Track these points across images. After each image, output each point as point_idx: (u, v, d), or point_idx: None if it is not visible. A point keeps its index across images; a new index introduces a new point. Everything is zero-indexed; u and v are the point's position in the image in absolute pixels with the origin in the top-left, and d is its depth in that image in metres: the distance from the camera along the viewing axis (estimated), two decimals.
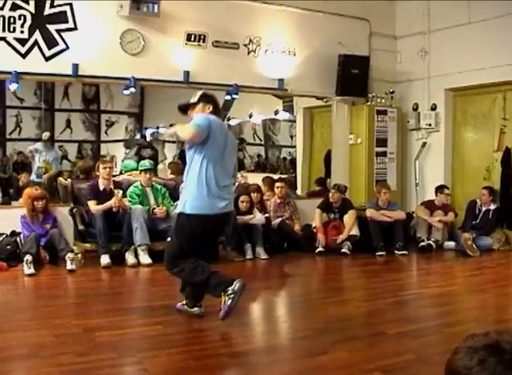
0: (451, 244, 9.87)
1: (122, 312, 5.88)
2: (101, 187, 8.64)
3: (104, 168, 8.69)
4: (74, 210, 8.57)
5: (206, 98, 5.60)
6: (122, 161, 12.88)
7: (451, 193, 10.65)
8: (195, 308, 5.66)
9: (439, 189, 10.27)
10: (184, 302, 5.68)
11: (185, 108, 5.68)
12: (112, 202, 8.41)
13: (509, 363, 1.55)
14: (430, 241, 9.70)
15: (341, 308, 6.32)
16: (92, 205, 8.44)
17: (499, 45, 9.94)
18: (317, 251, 9.48)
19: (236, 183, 12.12)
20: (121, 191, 8.49)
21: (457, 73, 10.64)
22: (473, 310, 6.49)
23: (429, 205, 10.22)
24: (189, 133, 5.21)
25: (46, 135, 13.47)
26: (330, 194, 9.85)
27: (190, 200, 5.32)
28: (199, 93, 5.65)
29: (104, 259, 8.08)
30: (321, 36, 10.81)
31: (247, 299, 6.68)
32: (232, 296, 5.19)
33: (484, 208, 9.93)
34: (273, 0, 10.32)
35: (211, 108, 5.53)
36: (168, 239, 5.25)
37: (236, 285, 5.25)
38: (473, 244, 9.39)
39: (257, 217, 9.23)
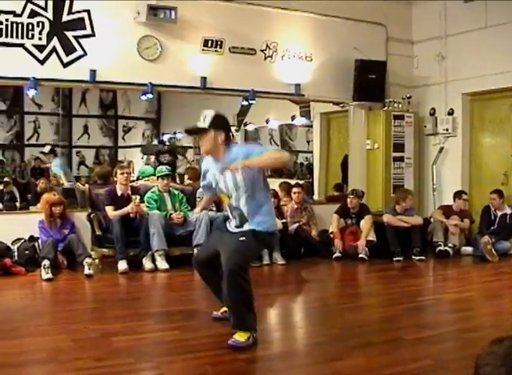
0: (468, 249, 9.82)
1: (139, 317, 5.90)
2: (119, 193, 8.68)
3: (122, 174, 8.73)
4: (92, 215, 8.61)
5: (217, 125, 5.03)
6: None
7: (468, 198, 10.62)
8: None
9: (457, 194, 10.23)
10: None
11: (193, 132, 5.45)
12: (129, 208, 8.45)
13: None
14: (447, 247, 9.65)
15: (358, 313, 6.30)
16: (110, 211, 8.49)
17: None
18: (334, 256, 9.48)
19: None
20: (138, 197, 8.53)
21: (474, 78, 10.60)
22: (491, 316, 6.45)
23: (446, 210, 10.18)
24: (285, 156, 5.13)
25: (47, 148, 13.51)
26: (348, 200, 9.84)
27: (272, 218, 5.24)
28: (208, 116, 5.03)
29: (122, 265, 8.12)
30: (338, 41, 10.80)
31: (264, 305, 6.70)
32: (251, 342, 4.98)
33: (499, 213, 9.85)
34: (289, 5, 10.32)
35: (223, 137, 5.02)
36: (242, 238, 4.99)
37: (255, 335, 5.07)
38: (492, 248, 9.33)
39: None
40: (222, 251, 5.03)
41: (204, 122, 4.99)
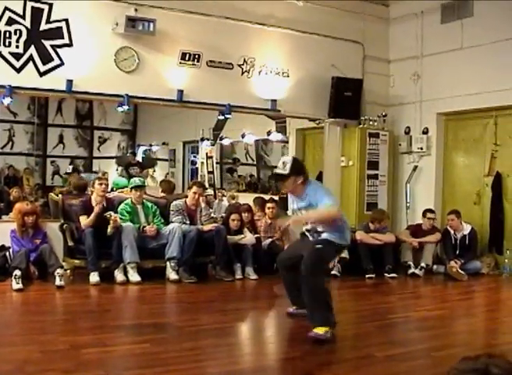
0: (440, 267, 9.88)
1: (109, 329, 5.85)
2: (94, 204, 8.62)
3: (100, 184, 8.70)
4: (64, 226, 8.55)
5: (296, 171, 5.89)
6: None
7: (440, 216, 10.70)
8: None
9: (424, 213, 10.30)
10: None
11: (277, 179, 6.32)
12: (97, 209, 8.40)
13: None
14: (417, 270, 9.67)
15: None
16: (83, 221, 8.42)
17: (491, 71, 10.01)
18: None
19: (227, 203, 12.20)
20: (112, 213, 8.45)
21: (449, 98, 10.71)
22: (461, 334, 6.49)
23: (416, 229, 10.24)
24: (332, 215, 5.88)
25: (69, 168, 13.43)
26: None
27: (343, 234, 6.06)
28: (288, 163, 5.90)
29: (94, 277, 8.06)
30: (315, 58, 10.86)
31: (236, 319, 6.70)
32: (330, 336, 5.62)
33: (459, 236, 9.88)
34: (268, 21, 10.37)
35: (301, 180, 5.91)
36: (319, 246, 5.82)
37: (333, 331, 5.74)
38: (458, 270, 9.40)
39: (248, 237, 9.24)
40: (303, 254, 5.86)
41: (284, 169, 5.87)
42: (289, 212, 6.33)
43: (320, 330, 5.58)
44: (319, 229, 5.94)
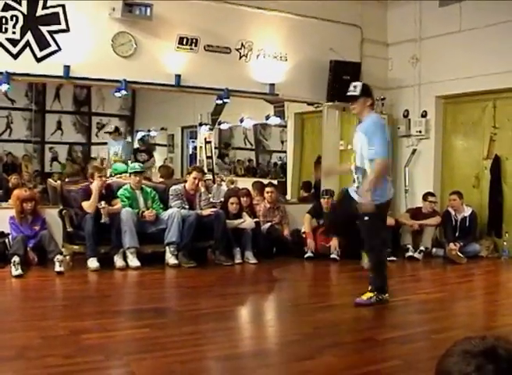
0: (440, 251, 9.89)
1: (109, 314, 5.87)
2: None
3: (100, 176, 8.66)
4: (63, 212, 8.54)
5: (366, 93, 6.43)
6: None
7: (439, 200, 10.71)
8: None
9: (425, 196, 10.30)
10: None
11: (349, 99, 6.51)
12: (97, 189, 8.43)
13: (506, 372, 1.54)
14: (416, 253, 9.69)
15: (329, 313, 6.32)
16: (86, 205, 8.41)
17: (490, 54, 9.98)
18: (306, 256, 9.50)
19: (226, 188, 12.20)
20: (103, 203, 8.42)
21: (448, 81, 10.69)
22: (461, 316, 6.50)
23: (416, 213, 10.26)
24: (382, 170, 6.22)
25: (111, 127, 13.28)
26: (323, 201, 9.85)
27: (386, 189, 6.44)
28: (359, 85, 6.44)
29: (92, 263, 8.06)
30: (313, 42, 10.83)
31: (236, 303, 6.72)
32: (377, 300, 6.35)
33: (459, 217, 9.90)
34: (265, 5, 10.33)
35: (370, 102, 6.45)
36: (366, 218, 6.28)
37: (386, 296, 6.46)
38: (457, 252, 9.42)
39: (247, 221, 9.24)
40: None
41: (355, 91, 6.38)
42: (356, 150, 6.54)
43: (365, 296, 6.34)
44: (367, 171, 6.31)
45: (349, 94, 6.48)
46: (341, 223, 7.12)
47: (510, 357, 1.58)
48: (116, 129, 13.04)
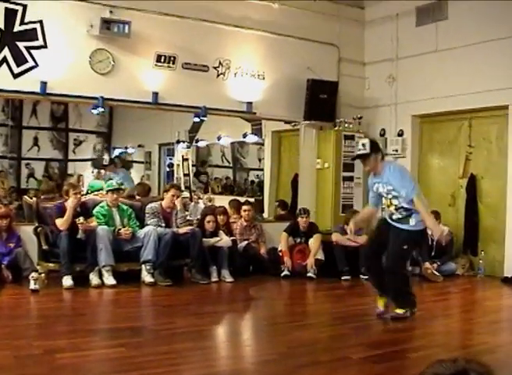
0: (416, 269, 9.91)
1: (84, 333, 5.81)
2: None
3: (75, 193, 8.59)
4: (39, 229, 8.48)
5: (375, 148, 6.71)
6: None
7: None
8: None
9: None
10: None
11: (360, 158, 6.83)
12: (72, 207, 8.34)
13: None
14: None
15: (305, 332, 6.31)
16: (59, 222, 8.34)
17: (465, 73, 10.09)
18: (282, 274, 9.48)
19: (202, 206, 12.18)
20: (81, 218, 8.37)
21: (424, 100, 10.77)
22: (437, 335, 6.51)
23: None
24: (422, 204, 6.51)
25: (106, 160, 13.20)
26: (300, 219, 9.86)
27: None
28: (367, 143, 6.69)
29: (67, 281, 7.96)
30: (291, 60, 10.88)
31: (212, 322, 6.69)
32: (409, 314, 6.70)
33: (436, 238, 9.92)
34: (243, 23, 10.37)
35: (380, 156, 6.75)
36: (405, 246, 6.66)
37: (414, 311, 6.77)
38: (433, 271, 9.45)
39: (224, 240, 9.21)
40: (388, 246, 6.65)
41: (365, 149, 6.63)
42: (372, 195, 6.94)
43: (400, 310, 6.67)
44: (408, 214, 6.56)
45: (359, 153, 6.80)
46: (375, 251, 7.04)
47: None
48: (111, 161, 12.97)
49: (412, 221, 6.54)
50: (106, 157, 14.03)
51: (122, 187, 10.15)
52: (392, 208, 6.65)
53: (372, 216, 7.61)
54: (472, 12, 10.07)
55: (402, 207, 6.55)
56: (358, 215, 7.90)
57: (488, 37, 9.75)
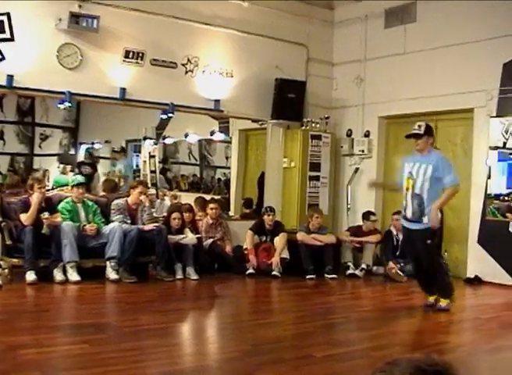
0: (380, 269, 10.01)
1: (47, 329, 5.77)
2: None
3: (40, 188, 8.52)
4: (2, 224, 8.39)
5: (430, 132, 7.27)
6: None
7: (380, 219, 10.86)
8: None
9: (366, 216, 10.42)
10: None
11: (413, 136, 7.29)
12: (36, 202, 8.27)
13: None
14: (357, 271, 9.81)
15: (269, 330, 6.34)
16: (23, 217, 8.27)
17: (432, 76, 10.22)
18: (247, 272, 9.51)
19: (169, 203, 12.15)
20: (46, 213, 8.31)
21: (391, 102, 10.87)
22: (400, 334, 6.59)
23: (357, 231, 10.35)
24: (453, 195, 7.18)
25: (118, 147, 13.44)
26: (266, 218, 9.89)
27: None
28: (423, 125, 7.21)
29: (30, 276, 7.89)
30: (259, 59, 10.91)
31: (176, 320, 6.69)
32: (451, 305, 7.27)
33: (400, 237, 10.01)
34: (213, 21, 10.37)
35: (431, 140, 7.30)
36: (429, 241, 7.17)
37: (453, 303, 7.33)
38: (397, 271, 9.53)
39: (189, 237, 9.20)
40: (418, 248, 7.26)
41: (419, 130, 7.17)
42: (405, 176, 7.31)
43: (444, 303, 7.22)
44: (424, 200, 7.06)
45: (414, 132, 7.26)
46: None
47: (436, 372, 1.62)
48: (123, 149, 13.21)
49: (425, 219, 7.08)
50: (118, 145, 14.17)
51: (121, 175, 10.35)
52: (409, 195, 7.17)
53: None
54: (440, 16, 10.18)
55: (418, 195, 7.08)
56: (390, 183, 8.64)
57: (455, 40, 9.88)
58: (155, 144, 15.05)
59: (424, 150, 7.21)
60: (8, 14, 8.59)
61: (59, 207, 8.68)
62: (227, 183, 14.19)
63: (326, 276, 9.54)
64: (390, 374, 1.65)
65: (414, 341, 6.31)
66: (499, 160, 9.49)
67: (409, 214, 7.22)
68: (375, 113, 11.29)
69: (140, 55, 9.69)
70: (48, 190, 9.34)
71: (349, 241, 10.11)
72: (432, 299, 7.43)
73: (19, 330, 5.77)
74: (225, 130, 13.06)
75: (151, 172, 15.13)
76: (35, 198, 8.31)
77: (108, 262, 8.50)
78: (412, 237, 7.34)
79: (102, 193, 10.25)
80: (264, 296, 8.86)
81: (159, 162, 15.73)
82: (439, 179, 7.02)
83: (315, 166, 11.29)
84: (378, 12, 11.18)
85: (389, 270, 9.61)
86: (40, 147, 17.95)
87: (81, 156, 16.09)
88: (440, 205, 7.13)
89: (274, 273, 9.47)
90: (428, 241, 7.16)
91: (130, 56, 9.62)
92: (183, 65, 10.19)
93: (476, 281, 9.51)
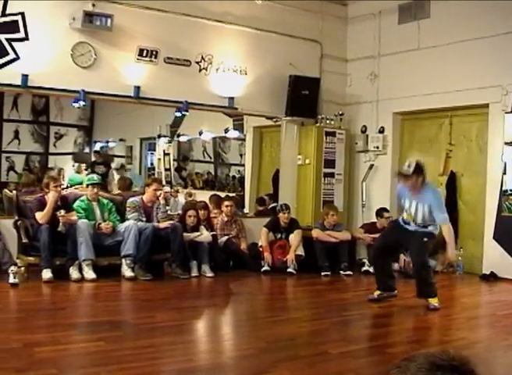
0: (395, 265, 9.97)
1: (64, 327, 5.80)
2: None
3: (56, 186, 8.55)
4: (19, 223, 8.42)
5: (419, 171, 7.16)
6: None
7: (395, 215, 10.80)
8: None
9: (379, 213, 10.38)
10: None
11: (401, 176, 7.32)
12: (52, 200, 8.30)
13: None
14: (371, 268, 9.77)
15: (285, 327, 6.34)
16: (39, 216, 8.30)
17: (447, 71, 10.16)
18: (262, 270, 9.51)
19: (184, 201, 12.18)
20: (62, 211, 8.35)
21: (405, 98, 10.83)
22: (415, 331, 6.58)
23: (371, 228, 10.32)
24: (451, 230, 7.41)
25: (118, 164, 13.70)
26: (282, 215, 9.88)
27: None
28: (412, 164, 7.14)
29: (46, 274, 7.93)
30: (273, 56, 10.90)
31: (192, 317, 6.70)
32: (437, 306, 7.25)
33: None
34: (226, 18, 10.37)
35: (421, 179, 7.21)
36: (425, 239, 7.29)
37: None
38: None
39: (204, 235, 9.21)
40: (409, 245, 7.53)
41: (409, 169, 7.10)
42: (406, 209, 7.47)
43: (434, 301, 7.26)
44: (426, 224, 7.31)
45: (403, 173, 7.29)
46: (387, 247, 7.76)
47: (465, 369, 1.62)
48: (122, 166, 13.48)
49: (429, 228, 7.32)
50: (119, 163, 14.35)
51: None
52: (411, 222, 7.39)
53: None
54: (454, 11, 10.13)
55: (422, 225, 7.31)
56: None
57: (469, 35, 9.82)
58: (170, 142, 15.09)
59: (416, 188, 7.26)
60: (22, 14, 8.62)
61: (74, 205, 8.71)
62: (241, 180, 14.20)
63: (341, 272, 9.54)
64: (406, 369, 1.65)
65: (430, 338, 6.30)
66: None
67: (412, 228, 7.43)
68: (390, 109, 11.25)
69: (154, 53, 9.70)
70: (63, 188, 9.37)
71: (364, 238, 10.08)
72: (376, 294, 7.66)
73: (36, 328, 5.80)
74: (239, 127, 13.06)
75: (166, 170, 15.17)
76: (51, 197, 8.34)
77: (123, 260, 8.53)
78: (406, 235, 7.44)
79: (117, 191, 10.27)
80: (280, 293, 8.86)
81: (174, 160, 15.77)
82: (427, 218, 7.29)
83: (330, 163, 11.28)
84: (392, 8, 11.14)
85: (405, 262, 9.56)
86: (54, 146, 18.00)
87: (99, 157, 16.13)
88: (453, 247, 7.41)
89: (289, 270, 9.46)
90: (425, 239, 7.29)
91: (144, 54, 9.63)
92: (197, 63, 10.20)
93: (492, 277, 9.45)
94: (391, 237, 7.81)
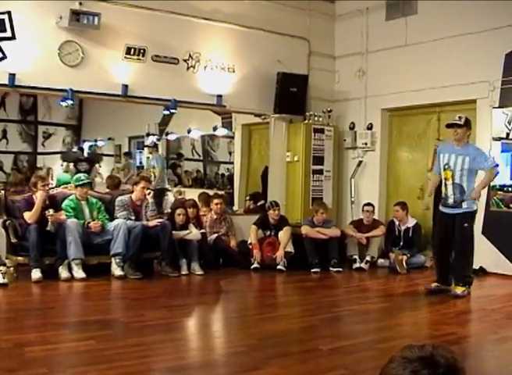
0: (385, 261, 10.00)
1: (53, 326, 5.79)
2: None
3: (43, 186, 8.54)
4: (7, 223, 8.40)
5: (469, 124, 7.79)
6: None
7: (384, 211, 10.89)
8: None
9: (363, 207, 10.44)
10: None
11: (453, 126, 7.72)
12: (40, 200, 8.28)
13: None
14: (362, 264, 9.82)
15: (275, 324, 6.35)
16: (27, 216, 8.28)
17: (434, 67, 10.19)
18: (252, 267, 9.51)
19: (173, 199, 12.17)
20: (51, 210, 8.33)
21: (393, 94, 10.85)
22: (405, 326, 6.60)
23: (359, 224, 10.35)
24: (493, 176, 7.89)
25: (152, 142, 13.55)
26: (272, 212, 9.88)
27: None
28: (463, 117, 7.72)
29: (35, 274, 7.91)
30: (261, 53, 10.90)
31: (182, 315, 6.70)
32: (468, 293, 7.75)
33: (403, 228, 10.06)
34: (214, 16, 10.36)
35: (468, 133, 7.80)
36: (466, 225, 7.66)
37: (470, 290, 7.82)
38: (403, 260, 9.54)
39: (193, 233, 9.20)
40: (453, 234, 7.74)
41: (460, 121, 7.67)
42: (445, 164, 7.80)
43: (459, 290, 7.62)
44: (465, 188, 7.65)
45: (455, 122, 7.72)
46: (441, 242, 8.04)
47: (447, 364, 1.63)
48: (155, 144, 13.30)
49: (464, 204, 7.68)
50: (150, 139, 14.19)
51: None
52: (449, 184, 7.78)
53: (438, 181, 8.22)
54: (441, 7, 10.15)
55: (459, 184, 7.68)
56: (430, 183, 8.65)
57: (456, 31, 9.86)
58: (158, 140, 15.08)
59: (462, 141, 7.70)
60: (9, 13, 8.58)
61: (63, 205, 8.69)
62: (230, 178, 14.21)
63: (331, 269, 9.55)
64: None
65: (420, 333, 6.31)
66: (502, 151, 9.47)
67: (451, 202, 7.78)
68: (378, 106, 11.28)
69: (142, 51, 9.68)
70: (51, 188, 9.34)
71: (357, 237, 10.07)
72: (434, 285, 7.93)
73: (26, 328, 5.79)
74: (227, 125, 13.06)
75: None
76: (39, 196, 8.32)
77: (113, 259, 8.52)
78: (450, 222, 7.77)
79: (106, 189, 10.25)
80: (270, 290, 8.86)
81: (171, 158, 15.79)
82: (475, 170, 7.73)
83: (318, 160, 11.29)
84: (379, 5, 11.17)
85: (396, 257, 9.59)
86: (43, 145, 17.99)
87: (81, 154, 16.10)
88: (484, 186, 7.93)
89: (279, 267, 9.47)
90: (466, 224, 7.66)
91: (132, 53, 9.61)
92: (185, 60, 10.18)
93: (481, 272, 9.48)
94: (441, 232, 8.03)
